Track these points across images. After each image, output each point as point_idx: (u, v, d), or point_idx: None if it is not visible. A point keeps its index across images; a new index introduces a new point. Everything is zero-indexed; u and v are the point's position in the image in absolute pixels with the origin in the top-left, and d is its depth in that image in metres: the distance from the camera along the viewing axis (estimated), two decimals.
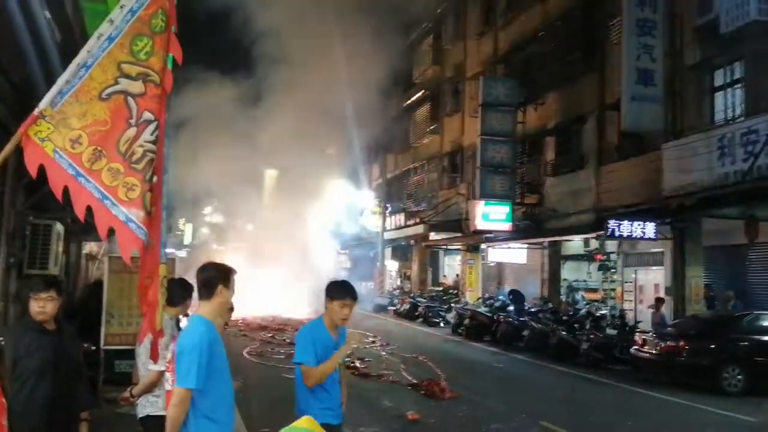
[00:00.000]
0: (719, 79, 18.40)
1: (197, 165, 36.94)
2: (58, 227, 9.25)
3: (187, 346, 4.00)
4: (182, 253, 53.45)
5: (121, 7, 3.71)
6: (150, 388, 5.11)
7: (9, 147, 3.47)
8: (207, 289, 4.24)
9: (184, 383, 3.94)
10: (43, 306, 4.83)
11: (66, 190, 3.51)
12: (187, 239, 68.13)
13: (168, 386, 4.70)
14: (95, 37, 3.65)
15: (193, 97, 34.07)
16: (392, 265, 42.48)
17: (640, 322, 18.97)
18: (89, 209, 3.53)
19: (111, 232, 3.58)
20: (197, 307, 4.31)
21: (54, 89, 3.56)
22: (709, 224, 18.26)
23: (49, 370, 4.75)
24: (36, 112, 3.51)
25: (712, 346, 14.44)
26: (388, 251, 41.37)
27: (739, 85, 17.79)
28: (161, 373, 4.92)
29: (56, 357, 4.83)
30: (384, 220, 39.71)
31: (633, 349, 15.89)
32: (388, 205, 40.51)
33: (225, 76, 36.96)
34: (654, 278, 20.52)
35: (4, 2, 5.22)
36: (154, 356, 4.30)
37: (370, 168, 45.52)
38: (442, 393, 12.64)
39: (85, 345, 8.83)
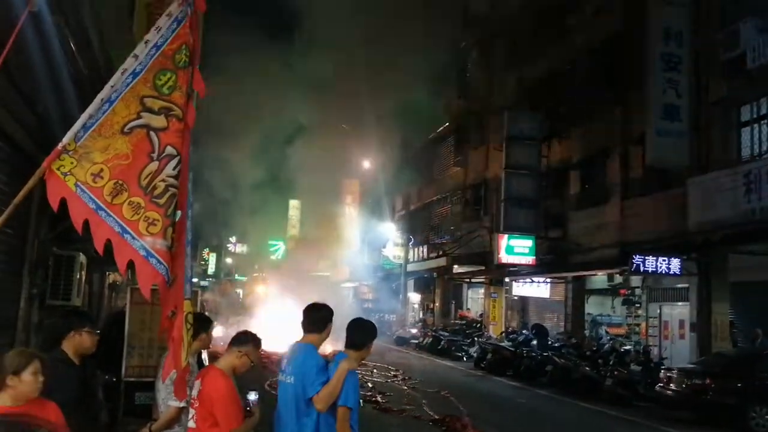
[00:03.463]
0: (746, 114, 18.28)
1: (223, 195, 37.22)
2: (81, 258, 9.27)
3: (319, 366, 4.71)
4: (205, 283, 53.73)
5: (146, 42, 3.74)
6: (170, 425, 5.03)
7: (32, 181, 3.50)
8: (321, 324, 4.90)
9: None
10: (92, 340, 4.83)
11: (86, 224, 3.52)
12: (211, 269, 68.52)
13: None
14: (119, 72, 3.68)
15: (218, 131, 34.44)
16: (415, 298, 42.31)
17: (666, 358, 18.76)
18: (109, 243, 3.53)
19: (130, 265, 3.58)
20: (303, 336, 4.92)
21: (78, 124, 3.58)
22: (736, 260, 18.05)
23: (75, 406, 4.68)
24: (59, 146, 3.53)
25: (739, 385, 14.18)
26: (411, 283, 41.22)
27: (765, 121, 17.66)
28: (181, 410, 4.88)
29: (81, 392, 4.80)
30: (407, 252, 39.61)
31: (658, 387, 15.68)
32: (411, 237, 40.43)
33: (250, 100, 37.26)
34: (679, 314, 20.27)
35: (25, 35, 5.30)
36: (181, 393, 4.25)
37: (393, 199, 45.51)
38: (464, 429, 12.49)
39: (107, 376, 8.82)
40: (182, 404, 4.77)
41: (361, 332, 4.90)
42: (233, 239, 71.80)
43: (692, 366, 16.10)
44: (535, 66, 28.58)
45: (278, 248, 57.20)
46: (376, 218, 41.62)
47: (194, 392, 4.61)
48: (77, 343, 4.73)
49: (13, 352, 3.71)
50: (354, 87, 34.12)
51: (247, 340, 4.82)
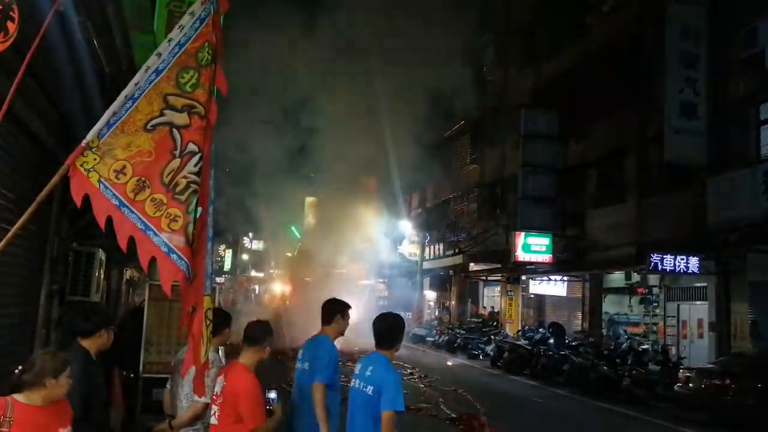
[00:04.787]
0: (765, 113, 18.14)
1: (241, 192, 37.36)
2: (101, 254, 9.32)
3: (331, 354, 5.36)
4: (220, 279, 54.06)
5: (169, 40, 3.78)
6: (192, 421, 5.03)
7: (56, 178, 3.54)
8: (333, 317, 5.56)
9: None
10: (111, 338, 4.83)
11: (109, 220, 3.55)
12: (227, 266, 68.78)
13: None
14: (143, 70, 3.72)
15: (239, 127, 34.48)
16: (431, 296, 42.24)
17: (684, 358, 18.65)
18: (132, 239, 3.57)
19: (152, 261, 3.61)
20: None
21: (101, 121, 3.61)
22: (756, 259, 17.90)
23: (106, 404, 4.68)
24: (83, 143, 3.56)
25: (759, 386, 14.03)
26: (427, 281, 41.17)
27: None
28: (205, 405, 4.89)
29: (106, 389, 4.80)
30: (423, 250, 39.54)
31: (676, 387, 15.58)
32: (427, 234, 40.35)
33: (267, 103, 37.23)
34: (698, 313, 20.14)
35: (51, 34, 5.33)
36: (200, 389, 4.26)
37: (409, 197, 45.43)
38: (481, 428, 12.47)
39: (124, 372, 8.89)
40: (207, 400, 4.78)
41: (390, 328, 4.87)
42: (249, 236, 72.05)
43: (711, 366, 15.96)
44: (552, 63, 28.51)
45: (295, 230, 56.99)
46: (392, 215, 41.58)
47: (218, 388, 4.64)
48: (104, 341, 4.73)
49: (50, 354, 3.76)
50: (370, 83, 34.05)
51: (263, 335, 4.86)
